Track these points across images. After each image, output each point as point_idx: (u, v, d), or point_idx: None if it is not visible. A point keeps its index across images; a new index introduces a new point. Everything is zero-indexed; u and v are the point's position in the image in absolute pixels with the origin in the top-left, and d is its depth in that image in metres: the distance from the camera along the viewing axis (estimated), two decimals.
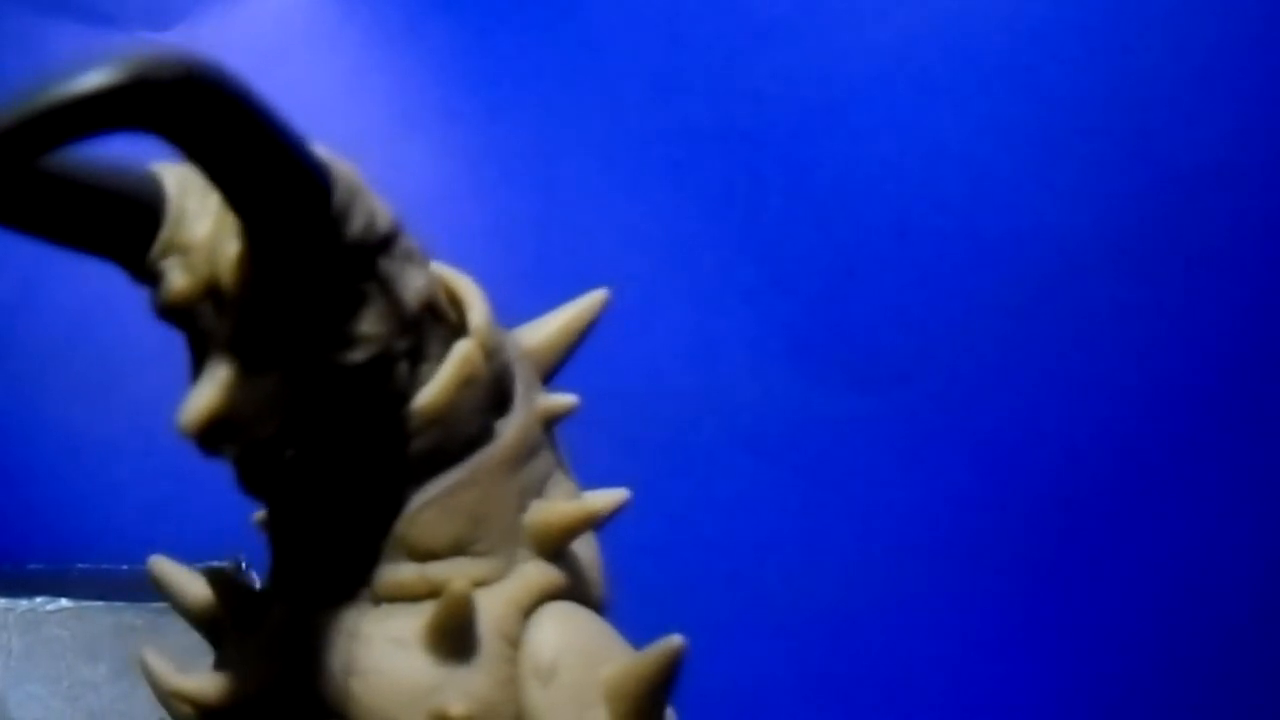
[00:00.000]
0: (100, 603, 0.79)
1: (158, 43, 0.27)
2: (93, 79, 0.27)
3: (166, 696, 0.40)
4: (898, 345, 0.89)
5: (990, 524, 0.89)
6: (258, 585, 0.43)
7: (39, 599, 0.78)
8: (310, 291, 0.34)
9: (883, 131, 0.89)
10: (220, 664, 0.40)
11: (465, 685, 0.37)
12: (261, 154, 0.30)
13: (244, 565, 0.77)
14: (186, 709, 0.40)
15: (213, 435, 0.35)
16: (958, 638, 0.88)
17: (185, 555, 0.80)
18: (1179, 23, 0.89)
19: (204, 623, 0.42)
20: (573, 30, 0.89)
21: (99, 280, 0.88)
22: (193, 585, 0.43)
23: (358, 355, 0.35)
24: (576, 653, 0.38)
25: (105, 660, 0.76)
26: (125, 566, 0.80)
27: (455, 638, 0.37)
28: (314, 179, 0.33)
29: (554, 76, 0.89)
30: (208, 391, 0.34)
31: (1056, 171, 0.89)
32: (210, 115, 0.29)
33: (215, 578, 0.41)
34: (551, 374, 0.44)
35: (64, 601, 0.79)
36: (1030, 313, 0.89)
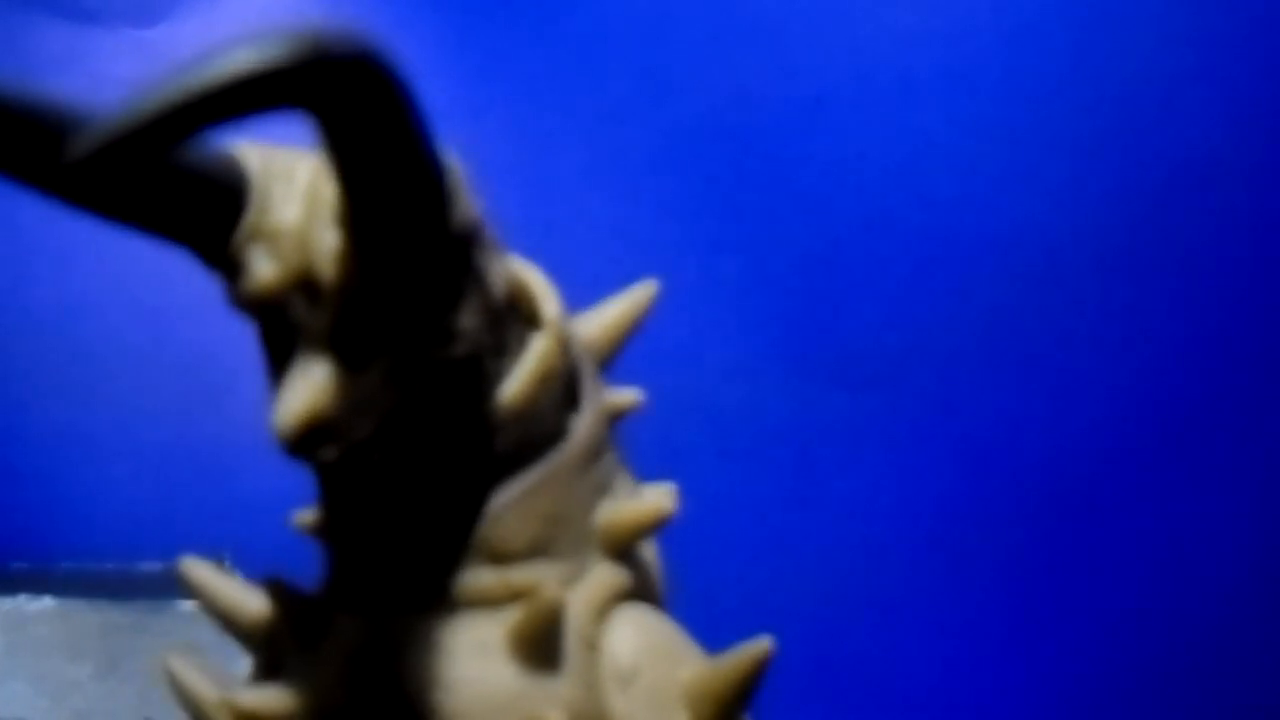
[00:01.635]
0: (84, 601, 0.78)
1: (322, 19, 0.26)
2: (266, 54, 0.25)
3: (211, 711, 0.38)
4: (883, 344, 0.89)
5: (975, 520, 0.89)
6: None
7: (23, 598, 0.78)
8: (416, 284, 0.32)
9: (868, 131, 0.89)
10: (281, 678, 0.38)
11: (555, 692, 0.36)
12: (403, 140, 0.29)
13: (227, 564, 0.77)
14: None
15: (310, 439, 0.32)
16: (943, 633, 0.88)
17: (168, 554, 0.80)
18: (1163, 23, 0.90)
19: (251, 633, 0.40)
20: (558, 29, 0.89)
21: (84, 280, 0.88)
22: (236, 593, 0.41)
23: (458, 350, 0.33)
24: (654, 656, 0.37)
25: (89, 659, 0.76)
26: (109, 565, 0.80)
27: (543, 644, 0.36)
28: (437, 167, 0.30)
29: (539, 76, 0.89)
30: (307, 391, 0.32)
31: (1041, 172, 0.89)
32: (374, 97, 0.27)
33: (274, 589, 0.39)
34: (604, 368, 0.42)
35: (48, 600, 0.78)
36: (1015, 312, 0.89)
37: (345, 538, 0.38)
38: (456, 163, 0.32)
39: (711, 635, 0.39)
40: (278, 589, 0.39)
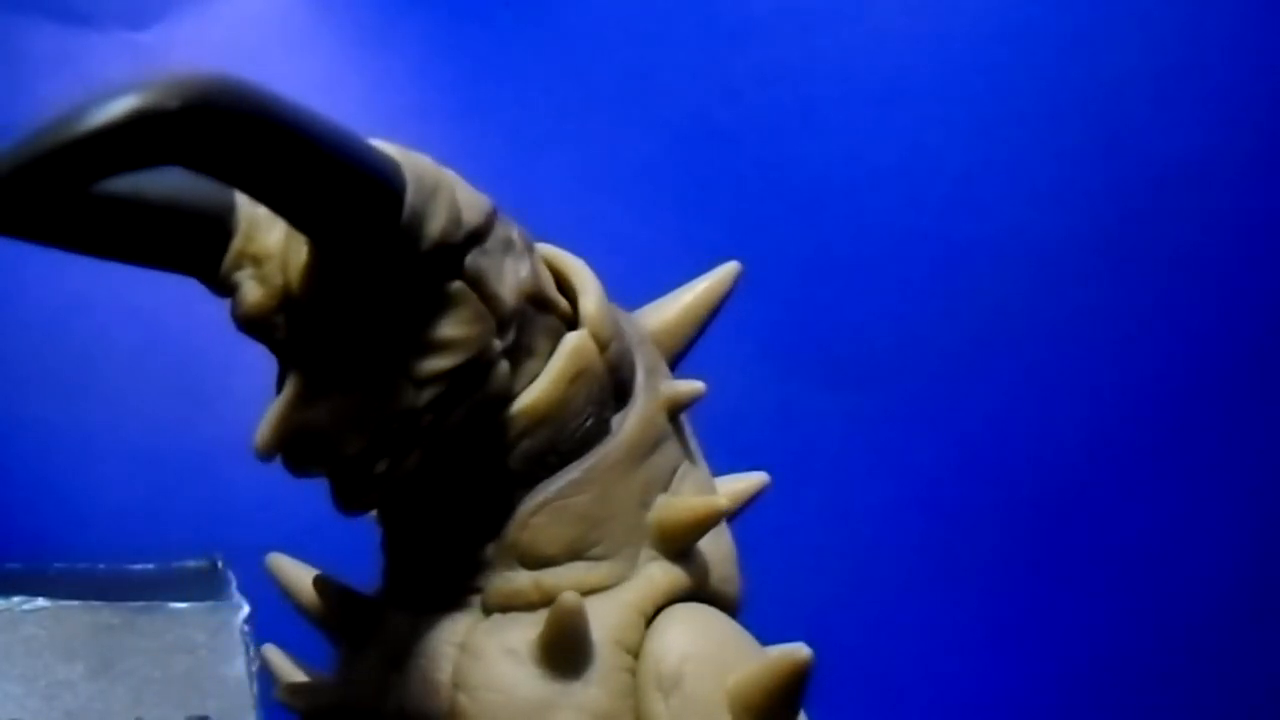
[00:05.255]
0: (77, 602, 0.78)
1: (170, 66, 0.25)
2: (95, 117, 0.24)
3: (279, 694, 0.40)
4: (874, 345, 0.89)
5: (965, 521, 0.89)
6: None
7: (16, 598, 0.78)
8: (385, 298, 0.32)
9: (860, 132, 0.89)
10: (336, 670, 0.39)
11: (579, 700, 0.35)
12: (302, 169, 0.28)
13: (220, 564, 0.77)
14: (299, 704, 0.39)
15: (293, 454, 0.32)
16: (933, 632, 0.88)
17: (162, 555, 0.80)
18: (1154, 25, 0.90)
19: (323, 625, 0.41)
20: (549, 30, 0.89)
21: (77, 280, 0.88)
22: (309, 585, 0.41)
23: (446, 361, 0.33)
24: (702, 660, 0.36)
25: (82, 659, 0.76)
26: (102, 565, 0.80)
27: (568, 651, 0.35)
28: (377, 184, 0.30)
29: (530, 77, 0.89)
30: (278, 409, 0.32)
31: (1032, 172, 0.89)
32: (230, 138, 0.26)
33: (324, 587, 0.39)
34: (680, 356, 0.42)
35: (41, 601, 0.78)
36: (1006, 312, 0.89)
37: (388, 537, 0.38)
38: (427, 171, 0.32)
39: None
40: (328, 588, 0.39)
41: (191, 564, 0.78)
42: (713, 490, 0.40)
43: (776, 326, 0.89)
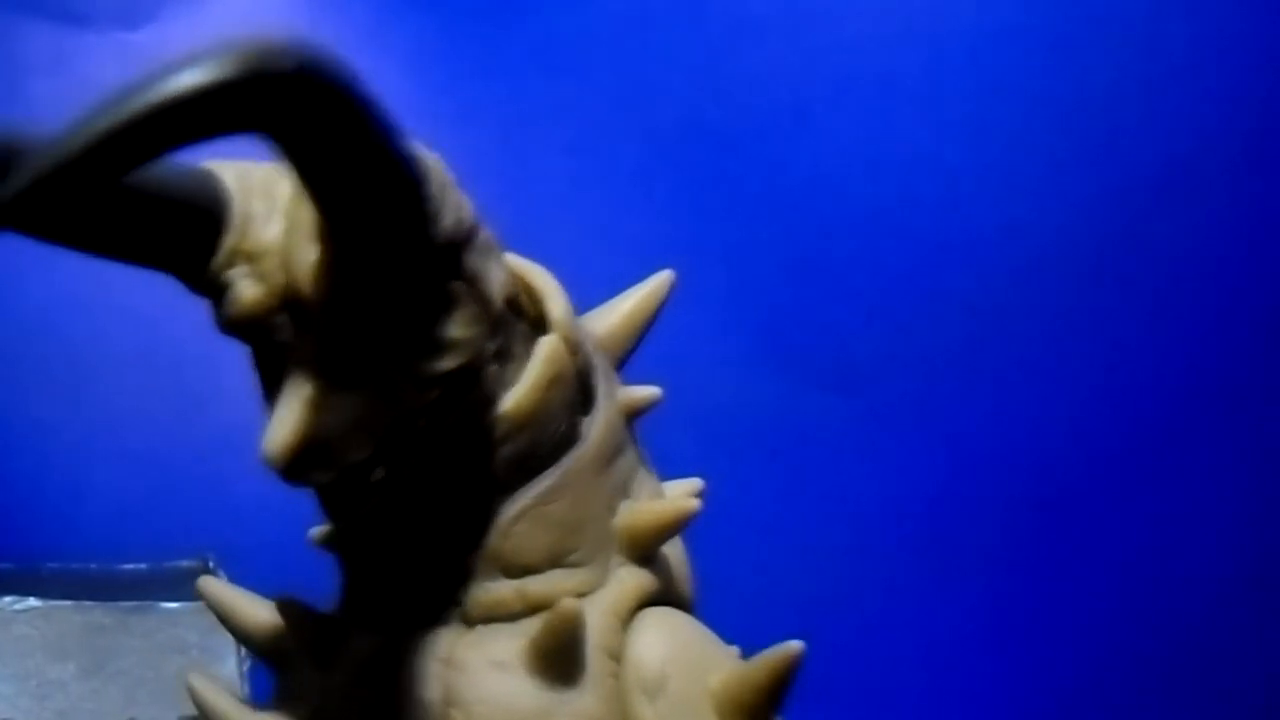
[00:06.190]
0: (69, 602, 0.78)
1: (260, 30, 0.24)
2: (200, 75, 0.23)
3: None
4: (867, 346, 0.89)
5: (959, 521, 0.89)
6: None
7: (8, 598, 0.78)
8: (400, 296, 0.31)
9: (853, 133, 0.89)
10: (292, 696, 0.38)
11: (576, 708, 0.35)
12: (367, 151, 0.27)
13: (211, 565, 0.77)
14: None
15: (302, 463, 0.31)
16: (926, 632, 0.88)
17: (153, 555, 0.80)
18: (1146, 26, 0.90)
19: (265, 649, 0.40)
20: (543, 31, 0.89)
21: (72, 280, 0.88)
22: (250, 609, 0.40)
23: (450, 362, 0.32)
24: (682, 662, 0.36)
25: (73, 659, 0.76)
26: (94, 566, 0.80)
27: (563, 658, 0.35)
28: (410, 175, 0.29)
29: (524, 77, 0.89)
30: (293, 414, 0.31)
31: (1025, 174, 0.89)
32: (324, 111, 0.25)
33: (286, 608, 0.38)
34: (622, 363, 0.41)
35: (32, 601, 0.78)
36: (1000, 313, 0.89)
37: (357, 553, 0.37)
38: (439, 166, 0.31)
39: None
40: (290, 610, 0.38)
41: (183, 564, 0.78)
42: (663, 495, 0.40)
43: (770, 328, 0.89)
